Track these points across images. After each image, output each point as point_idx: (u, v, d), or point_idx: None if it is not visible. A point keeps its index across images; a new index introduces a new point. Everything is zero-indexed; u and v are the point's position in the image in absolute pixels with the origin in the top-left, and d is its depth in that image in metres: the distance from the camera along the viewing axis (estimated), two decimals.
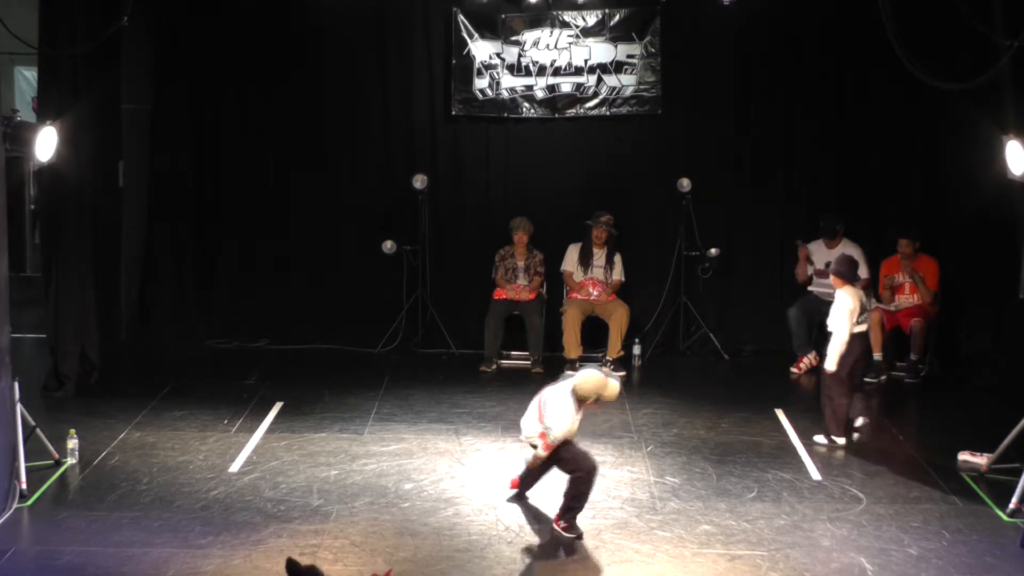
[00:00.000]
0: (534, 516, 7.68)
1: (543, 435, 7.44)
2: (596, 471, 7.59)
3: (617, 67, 12.01)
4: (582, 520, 7.51)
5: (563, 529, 7.40)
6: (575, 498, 7.46)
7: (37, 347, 11.38)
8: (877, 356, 11.00)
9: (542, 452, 7.50)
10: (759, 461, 8.83)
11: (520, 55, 12.06)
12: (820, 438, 9.23)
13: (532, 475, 7.83)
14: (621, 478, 8.42)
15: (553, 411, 7.43)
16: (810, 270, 11.68)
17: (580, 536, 7.38)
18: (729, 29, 11.85)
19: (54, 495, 8.02)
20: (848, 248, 11.49)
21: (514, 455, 8.84)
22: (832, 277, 9.30)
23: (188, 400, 10.16)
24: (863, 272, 11.16)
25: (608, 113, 12.13)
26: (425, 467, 8.61)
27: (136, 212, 12.13)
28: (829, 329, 9.15)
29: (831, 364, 9.02)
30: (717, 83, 12.08)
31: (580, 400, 7.46)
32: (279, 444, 9.11)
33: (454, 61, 12.10)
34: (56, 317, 10.39)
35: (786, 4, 11.83)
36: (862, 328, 9.14)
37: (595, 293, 11.69)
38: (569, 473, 7.53)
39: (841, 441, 9.15)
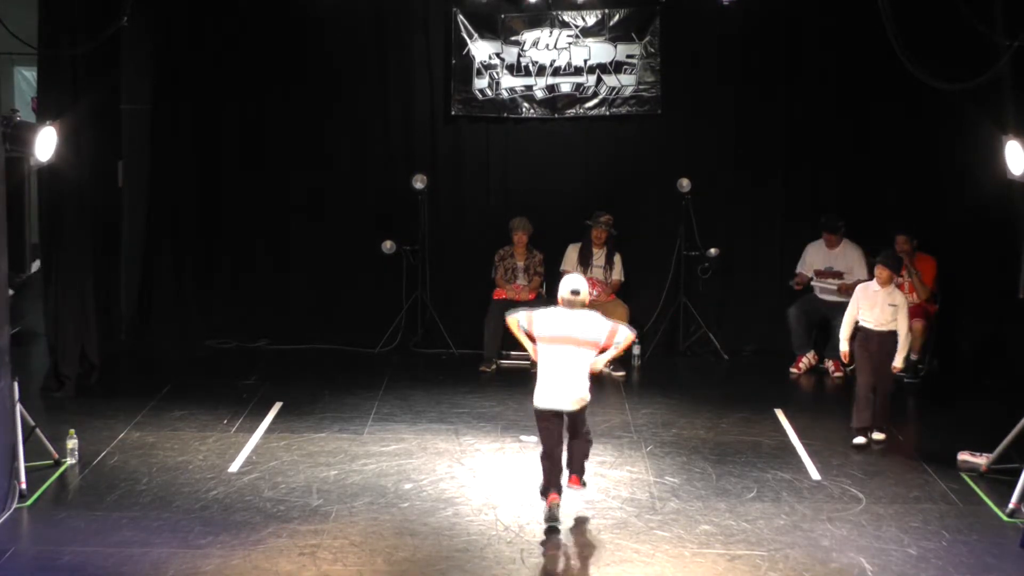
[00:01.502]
0: (533, 516, 7.68)
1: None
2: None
3: (617, 67, 12.01)
4: (582, 518, 7.58)
5: (578, 485, 7.67)
6: (586, 455, 7.76)
7: (37, 346, 11.40)
8: None
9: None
10: (759, 461, 8.83)
11: (520, 55, 12.07)
12: (880, 434, 9.32)
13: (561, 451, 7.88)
14: (621, 478, 8.43)
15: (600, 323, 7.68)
16: (810, 272, 11.69)
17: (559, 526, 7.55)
18: (729, 29, 11.84)
19: (54, 495, 8.03)
20: (848, 249, 11.53)
21: (513, 455, 8.86)
22: (880, 270, 9.38)
23: (188, 400, 10.16)
24: (863, 274, 11.18)
25: (608, 113, 12.13)
26: (424, 467, 8.61)
27: (136, 212, 12.14)
28: (879, 325, 9.29)
29: (900, 361, 9.30)
30: (717, 83, 12.07)
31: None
32: (278, 444, 9.11)
33: (454, 61, 12.10)
34: (56, 317, 10.38)
35: (786, 4, 11.84)
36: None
37: (595, 293, 11.66)
38: (584, 433, 7.72)
39: None
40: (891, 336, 9.29)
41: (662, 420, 9.87)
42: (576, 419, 7.64)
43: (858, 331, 9.43)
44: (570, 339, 7.52)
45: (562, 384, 7.51)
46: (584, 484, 7.85)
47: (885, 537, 7.42)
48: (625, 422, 9.79)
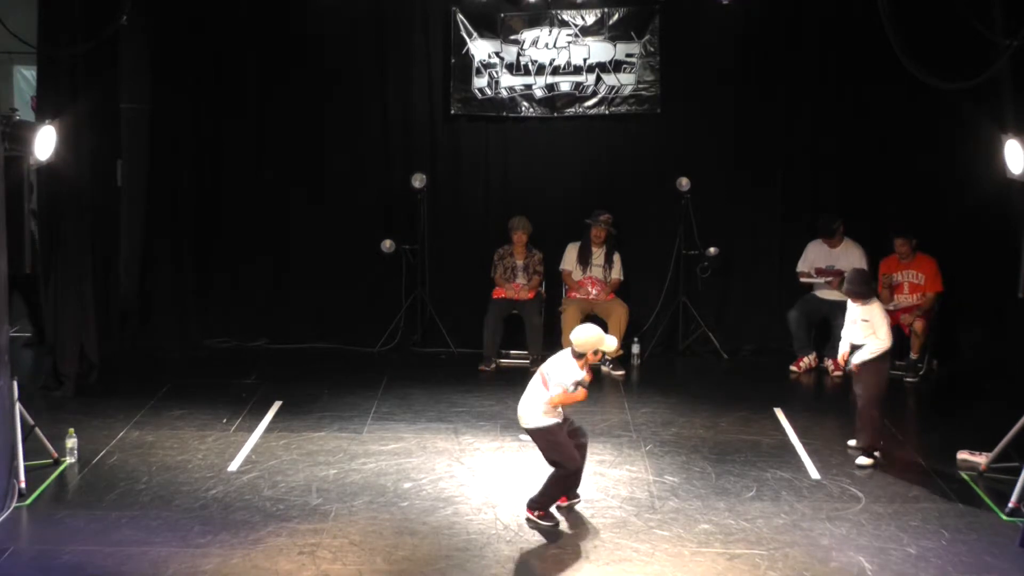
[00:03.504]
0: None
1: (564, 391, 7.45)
2: (580, 472, 7.68)
3: (616, 66, 12.01)
4: (581, 517, 7.56)
5: (538, 517, 7.47)
6: (552, 487, 7.52)
7: (36, 346, 11.39)
8: None
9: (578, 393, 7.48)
10: (758, 460, 8.82)
11: (519, 54, 12.07)
12: (865, 460, 8.71)
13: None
14: (620, 477, 8.42)
15: (557, 371, 7.47)
16: (811, 269, 11.69)
17: (557, 524, 7.46)
18: (729, 28, 11.85)
19: (53, 494, 8.02)
20: (850, 248, 11.51)
21: (512, 454, 8.86)
22: (850, 298, 8.85)
23: (187, 399, 10.16)
24: None
25: (607, 112, 12.13)
26: (424, 466, 8.61)
27: (135, 211, 12.13)
28: (859, 342, 8.75)
29: (855, 358, 8.75)
30: (716, 82, 12.06)
31: (579, 356, 7.47)
32: (278, 443, 9.11)
33: (453, 60, 12.10)
34: (56, 317, 10.38)
35: (785, 3, 11.84)
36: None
37: (594, 292, 11.69)
38: (552, 464, 7.57)
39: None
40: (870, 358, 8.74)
41: (661, 419, 9.87)
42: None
43: None
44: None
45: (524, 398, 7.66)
46: (542, 518, 7.49)
47: (884, 536, 7.42)
48: (624, 421, 9.79)
